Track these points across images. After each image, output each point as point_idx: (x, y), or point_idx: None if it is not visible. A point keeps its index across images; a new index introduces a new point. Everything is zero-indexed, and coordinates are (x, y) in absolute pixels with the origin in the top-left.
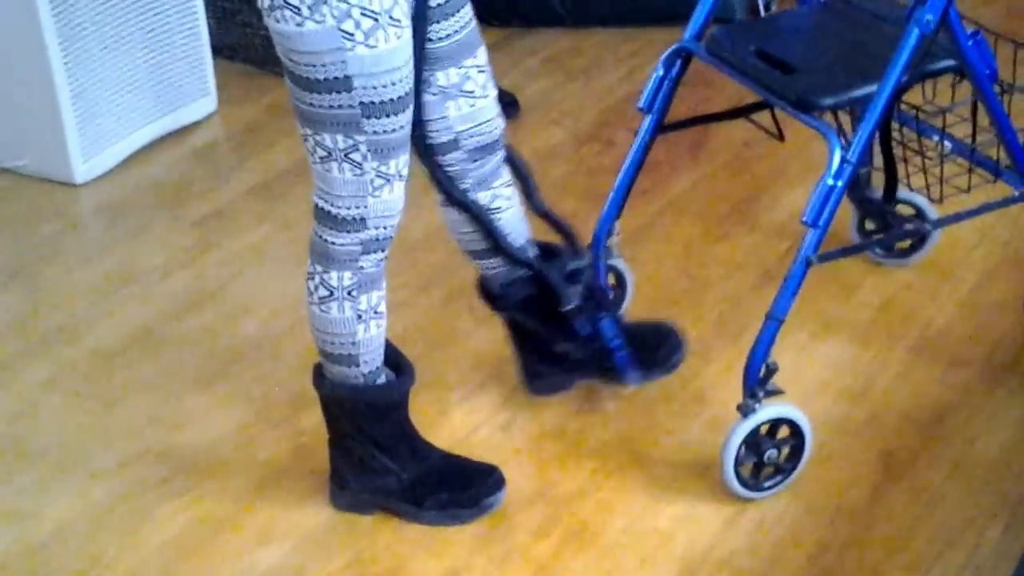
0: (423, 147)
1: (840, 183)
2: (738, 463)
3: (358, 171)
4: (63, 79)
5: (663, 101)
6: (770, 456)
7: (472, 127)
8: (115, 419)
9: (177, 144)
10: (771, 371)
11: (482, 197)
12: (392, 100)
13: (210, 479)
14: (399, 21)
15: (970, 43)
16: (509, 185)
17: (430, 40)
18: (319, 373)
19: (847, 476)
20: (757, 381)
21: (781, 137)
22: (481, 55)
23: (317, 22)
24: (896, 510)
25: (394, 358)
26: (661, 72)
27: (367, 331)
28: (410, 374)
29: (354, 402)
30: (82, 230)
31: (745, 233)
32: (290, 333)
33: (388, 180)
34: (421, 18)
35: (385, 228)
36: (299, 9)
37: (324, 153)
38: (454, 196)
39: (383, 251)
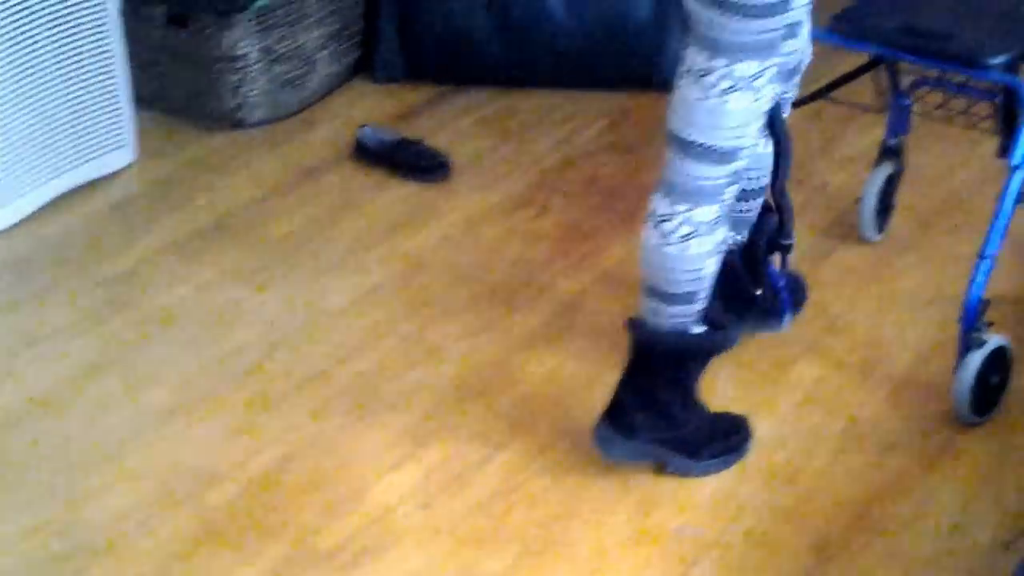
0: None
1: None
2: (971, 392)
3: (755, 97)
4: None
5: None
6: (993, 382)
7: (801, 53)
8: (12, 491)
9: (90, 197)
10: (986, 305)
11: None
12: (799, 22)
13: (110, 557)
14: None
15: None
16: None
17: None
18: (641, 325)
19: (779, 562)
20: (977, 315)
21: (883, 108)
22: None
23: None
24: None
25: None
26: None
27: (713, 264)
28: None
29: (683, 348)
30: None
31: None
32: (201, 404)
33: (770, 105)
34: None
35: (744, 161)
36: None
37: (729, 84)
38: (774, 120)
39: (738, 184)
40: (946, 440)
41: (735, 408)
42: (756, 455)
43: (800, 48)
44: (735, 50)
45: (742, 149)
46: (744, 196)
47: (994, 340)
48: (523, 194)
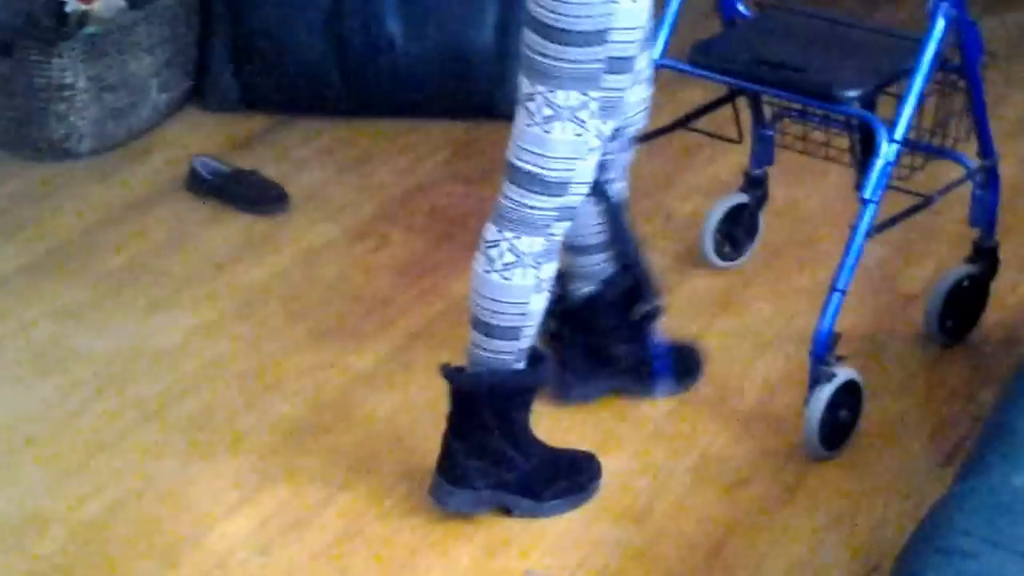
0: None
1: (891, 159)
2: (821, 426)
3: (578, 131)
4: None
5: None
6: (843, 416)
7: (633, 116)
8: None
9: None
10: (836, 339)
11: (618, 187)
12: (626, 58)
13: None
14: None
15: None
16: (624, 180)
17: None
18: (456, 371)
19: None
20: (827, 349)
21: (740, 139)
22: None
23: None
24: None
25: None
26: None
27: (538, 302)
28: (547, 360)
29: (504, 386)
30: None
31: None
32: (26, 446)
33: (601, 143)
34: None
35: (579, 196)
36: None
37: (551, 112)
38: (599, 183)
39: (571, 220)
40: (797, 476)
41: (582, 445)
42: (605, 493)
43: (627, 87)
44: (554, 76)
45: (570, 184)
46: (578, 250)
47: (844, 373)
48: (364, 226)
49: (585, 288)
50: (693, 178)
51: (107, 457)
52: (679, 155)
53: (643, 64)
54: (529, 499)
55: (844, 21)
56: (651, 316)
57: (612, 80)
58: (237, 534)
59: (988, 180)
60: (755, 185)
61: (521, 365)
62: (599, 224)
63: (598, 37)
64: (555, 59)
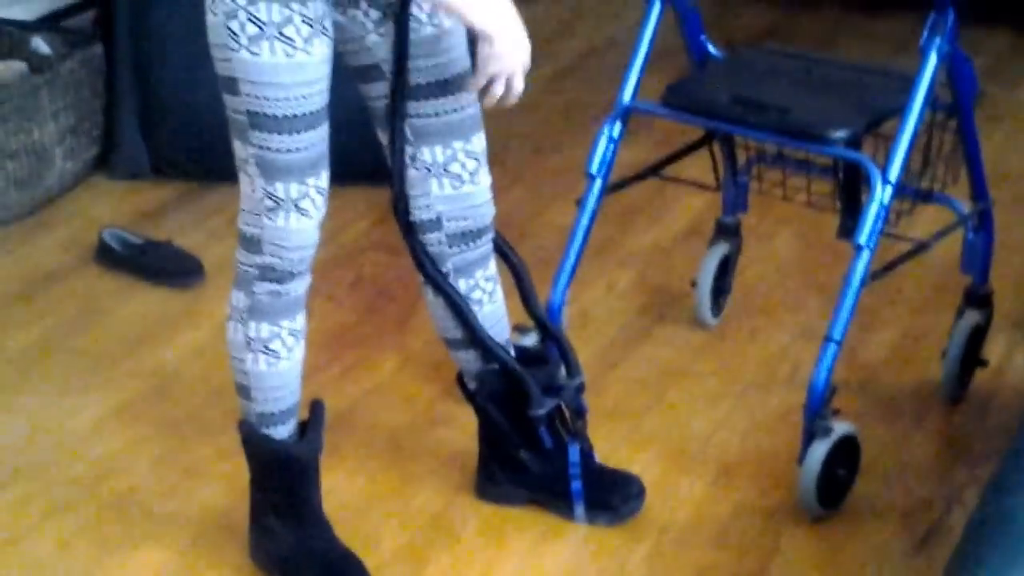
0: (404, 221)
1: (886, 202)
2: (818, 483)
3: (250, 186)
4: None
5: (609, 164)
6: (840, 473)
7: (456, 210)
8: None
9: None
10: (833, 392)
11: (462, 285)
12: (277, 117)
13: None
14: (292, 41)
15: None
16: (492, 280)
17: (418, 116)
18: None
19: None
20: (823, 402)
21: (718, 187)
22: (476, 142)
23: (214, 13)
24: None
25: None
26: (608, 136)
27: (255, 363)
28: (311, 444)
29: (255, 447)
30: None
31: (465, 415)
32: None
33: (279, 205)
34: (398, 75)
35: (280, 259)
36: None
37: (237, 159)
38: (431, 276)
39: (280, 284)
40: (759, 566)
41: (530, 527)
42: (563, 564)
43: (288, 152)
44: (227, 121)
45: (262, 242)
46: (446, 342)
47: (841, 428)
48: None
49: (471, 385)
50: (634, 242)
51: (21, 548)
52: (618, 217)
53: (436, 160)
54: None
55: (820, 59)
56: (542, 422)
57: (269, 139)
58: None
59: (982, 224)
60: (731, 233)
61: (283, 435)
62: (450, 319)
63: (230, 85)
64: (223, 103)
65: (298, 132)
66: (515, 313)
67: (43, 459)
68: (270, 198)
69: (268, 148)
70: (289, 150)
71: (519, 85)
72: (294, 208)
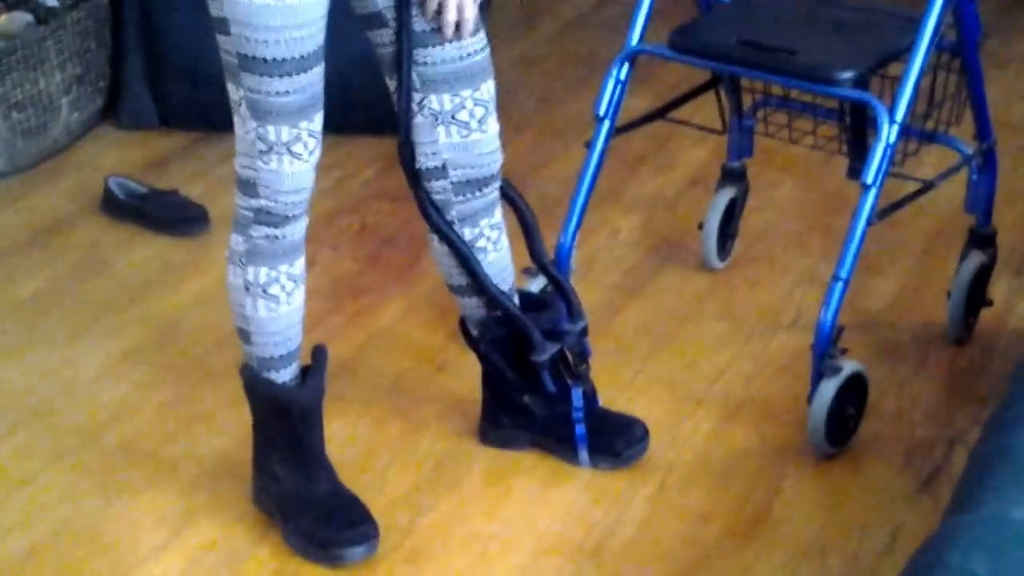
0: (410, 168)
1: (892, 142)
2: (828, 421)
3: (243, 128)
4: None
5: (617, 106)
6: (848, 412)
7: (462, 158)
8: None
9: None
10: (840, 331)
11: (467, 233)
12: (266, 60)
13: None
14: None
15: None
16: (497, 228)
17: (425, 64)
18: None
19: None
20: (831, 341)
21: (724, 130)
22: (484, 90)
23: None
24: None
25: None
26: (615, 77)
27: (255, 308)
28: (312, 389)
29: (253, 390)
30: None
31: (469, 362)
32: None
33: (271, 149)
34: (403, 24)
35: (275, 202)
36: None
37: (231, 101)
38: (436, 224)
39: (276, 228)
40: (761, 507)
41: (530, 474)
42: (557, 527)
43: (278, 94)
44: (222, 61)
45: (257, 185)
46: (451, 289)
47: (850, 366)
48: None
49: (475, 331)
50: (639, 190)
51: (21, 498)
52: (623, 165)
53: (444, 107)
54: (280, 520)
55: (826, 1)
56: (545, 367)
57: (259, 82)
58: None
59: (985, 164)
60: (737, 178)
61: (284, 379)
62: (455, 266)
63: (222, 25)
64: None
65: (289, 75)
66: (524, 257)
67: (49, 405)
68: (262, 141)
69: (259, 91)
70: (279, 93)
71: (470, 12)
72: (287, 151)
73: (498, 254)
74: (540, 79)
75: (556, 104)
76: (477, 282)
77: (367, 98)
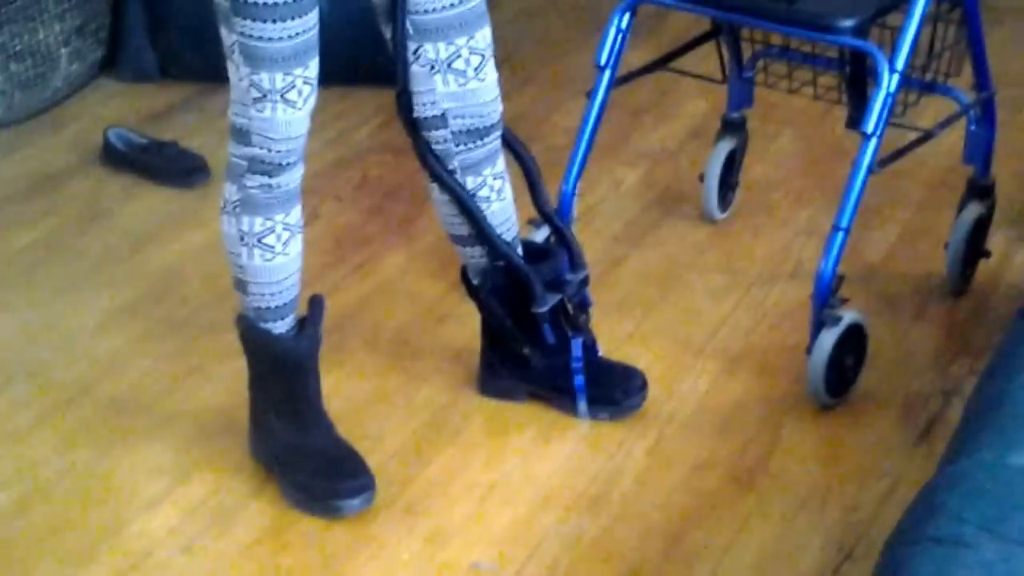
0: (408, 117)
1: (893, 91)
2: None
3: (236, 75)
4: None
5: (618, 56)
6: (847, 362)
7: (461, 107)
8: None
9: None
10: (840, 281)
11: (470, 182)
12: (259, 3)
13: None
14: None
15: None
16: (500, 178)
17: (418, 12)
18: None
19: None
20: (831, 291)
21: (724, 80)
22: (480, 38)
23: None
24: None
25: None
26: (617, 26)
27: (250, 258)
28: (308, 340)
29: (248, 339)
30: None
31: (469, 314)
32: None
33: (265, 96)
34: None
35: (269, 151)
36: None
37: (224, 47)
38: (435, 172)
39: (269, 177)
40: (761, 457)
41: (528, 426)
42: (555, 479)
43: (272, 40)
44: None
45: (251, 134)
46: (451, 238)
47: (850, 316)
48: None
49: (475, 281)
50: (640, 142)
51: (16, 450)
52: (624, 118)
53: (440, 56)
54: (279, 474)
55: None
56: (545, 319)
57: (251, 26)
58: (158, 529)
59: (984, 114)
60: (737, 129)
61: (281, 330)
62: (456, 215)
63: None
64: None
65: (282, 20)
66: (528, 209)
67: (45, 357)
68: (256, 88)
69: (251, 36)
70: (271, 39)
71: None
72: (280, 99)
73: (501, 203)
74: (542, 31)
75: (559, 56)
76: (479, 231)
77: (371, 49)
